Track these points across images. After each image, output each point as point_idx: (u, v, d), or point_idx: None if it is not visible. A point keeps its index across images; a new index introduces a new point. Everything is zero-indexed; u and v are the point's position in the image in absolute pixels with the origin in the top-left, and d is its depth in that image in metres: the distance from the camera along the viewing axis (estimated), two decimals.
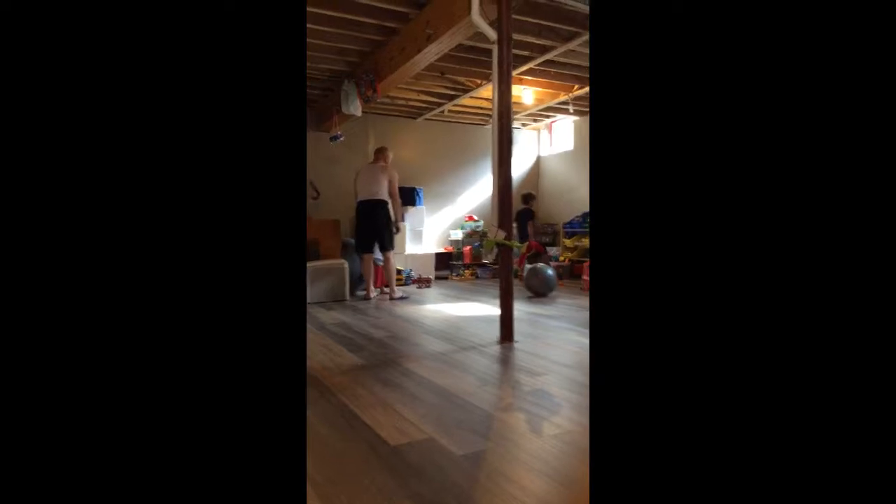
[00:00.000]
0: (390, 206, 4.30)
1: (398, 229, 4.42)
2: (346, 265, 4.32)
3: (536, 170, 7.06)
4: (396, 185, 4.31)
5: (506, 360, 2.30)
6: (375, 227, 4.25)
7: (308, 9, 3.21)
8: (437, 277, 5.89)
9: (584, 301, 4.02)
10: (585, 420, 1.54)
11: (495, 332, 2.76)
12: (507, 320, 2.66)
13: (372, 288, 4.37)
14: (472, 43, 3.72)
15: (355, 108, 4.34)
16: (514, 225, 5.38)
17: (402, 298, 4.25)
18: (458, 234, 6.27)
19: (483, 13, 2.67)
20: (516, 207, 5.67)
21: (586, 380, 1.95)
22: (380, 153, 4.45)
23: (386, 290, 4.39)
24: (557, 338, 2.71)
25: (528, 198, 5.75)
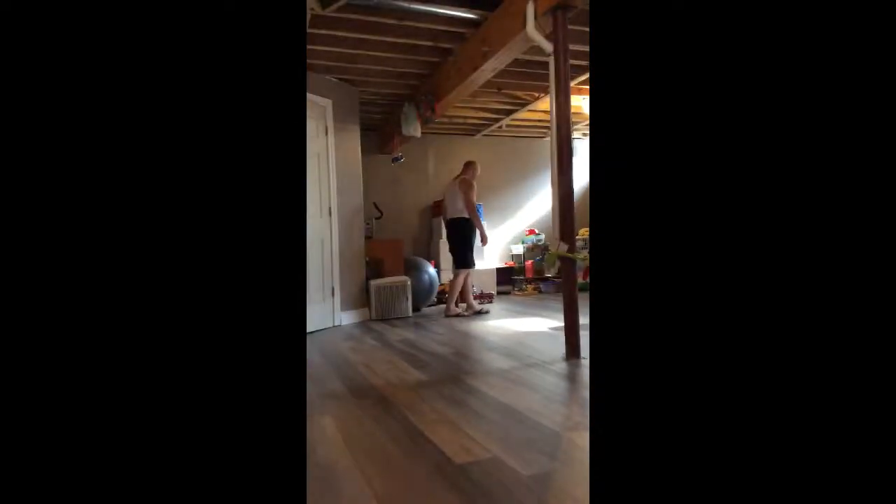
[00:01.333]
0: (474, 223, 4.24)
1: (483, 241, 4.31)
2: (409, 282, 4.39)
3: None
4: (469, 197, 4.18)
5: (573, 378, 2.22)
6: (452, 244, 4.31)
7: (367, 36, 3.35)
8: (499, 293, 5.83)
9: None
10: None
11: (561, 348, 2.68)
12: (572, 336, 2.58)
13: (472, 302, 4.33)
14: (528, 57, 3.72)
15: (415, 129, 4.45)
16: None
17: (458, 316, 4.23)
18: (519, 249, 6.21)
19: (538, 26, 2.67)
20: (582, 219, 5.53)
21: None
22: (464, 167, 4.41)
23: (460, 305, 4.33)
24: None
25: None
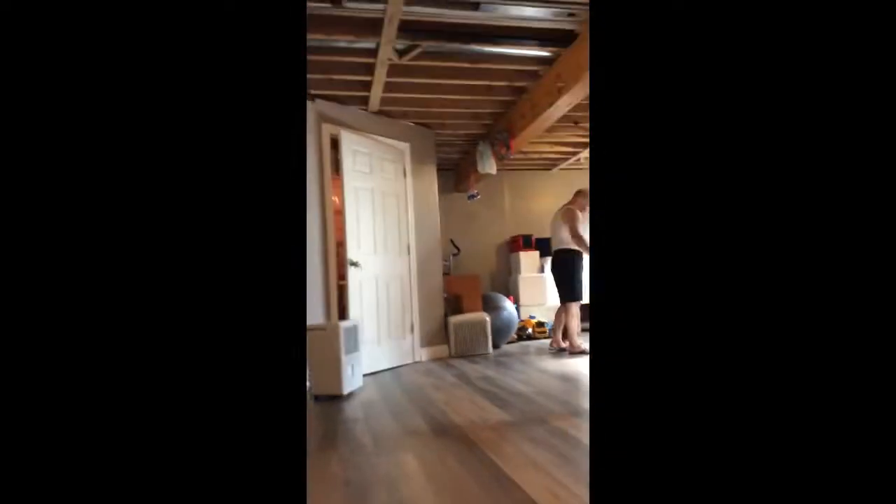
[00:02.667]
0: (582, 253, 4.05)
1: (582, 276, 4.07)
2: (488, 318, 4.35)
3: None
4: (574, 226, 4.00)
5: None
6: (557, 276, 4.15)
7: (443, 81, 3.49)
8: (584, 329, 5.61)
9: None
10: None
11: None
12: None
13: (560, 338, 4.17)
14: None
15: (490, 166, 4.51)
16: None
17: (562, 350, 4.08)
18: None
19: None
20: None
21: None
22: (573, 196, 4.25)
23: (565, 341, 4.14)
24: None
25: None
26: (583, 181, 6.26)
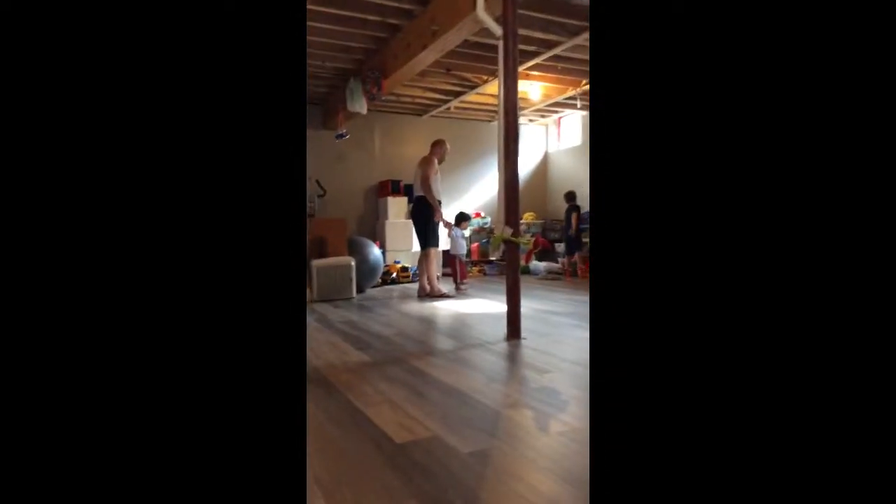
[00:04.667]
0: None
1: (437, 219, 4.16)
2: (353, 262, 4.33)
3: (544, 165, 7.02)
4: (426, 177, 4.07)
5: (513, 357, 2.28)
6: (414, 223, 4.26)
7: (315, 7, 3.21)
8: (445, 275, 5.87)
9: None
10: None
11: (502, 328, 2.75)
12: (514, 317, 2.65)
13: (425, 284, 4.22)
14: (477, 39, 3.70)
15: (360, 105, 4.34)
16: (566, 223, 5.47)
17: (428, 296, 4.18)
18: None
19: (488, 9, 2.65)
20: (534, 204, 5.76)
21: None
22: (431, 146, 4.31)
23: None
24: (565, 334, 2.70)
25: (572, 196, 5.54)
26: (454, 130, 6.35)
